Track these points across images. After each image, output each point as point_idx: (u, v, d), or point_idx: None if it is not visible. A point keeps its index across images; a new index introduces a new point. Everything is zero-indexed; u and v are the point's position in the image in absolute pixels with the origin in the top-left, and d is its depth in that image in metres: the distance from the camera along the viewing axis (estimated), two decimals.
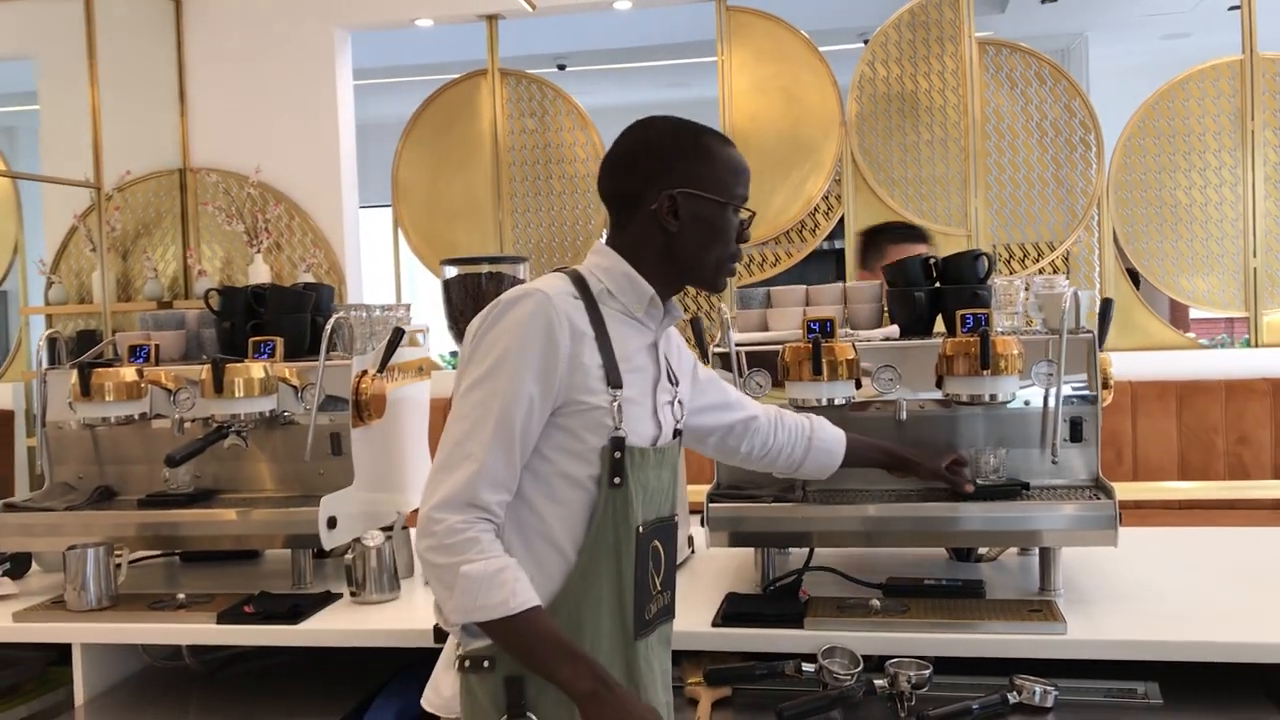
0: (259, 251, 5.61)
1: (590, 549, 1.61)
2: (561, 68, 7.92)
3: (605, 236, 1.76)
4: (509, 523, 1.60)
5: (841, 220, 5.43)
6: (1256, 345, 5.06)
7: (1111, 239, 5.17)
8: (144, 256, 5.76)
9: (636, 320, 1.71)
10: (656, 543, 1.69)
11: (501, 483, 1.57)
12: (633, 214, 1.70)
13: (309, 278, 5.59)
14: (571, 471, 1.62)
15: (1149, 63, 7.32)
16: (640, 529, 1.64)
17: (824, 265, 7.39)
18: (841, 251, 5.71)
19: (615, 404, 1.61)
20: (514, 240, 5.70)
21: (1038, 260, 5.23)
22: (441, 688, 1.72)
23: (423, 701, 1.78)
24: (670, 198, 1.67)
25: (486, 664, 1.60)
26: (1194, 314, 7.49)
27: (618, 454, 1.61)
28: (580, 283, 1.67)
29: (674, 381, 1.80)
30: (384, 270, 6.01)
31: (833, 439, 2.17)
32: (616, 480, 1.61)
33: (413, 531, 2.66)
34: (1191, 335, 5.87)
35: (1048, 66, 5.24)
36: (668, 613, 1.76)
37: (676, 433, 1.78)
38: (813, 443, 2.14)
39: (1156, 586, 2.28)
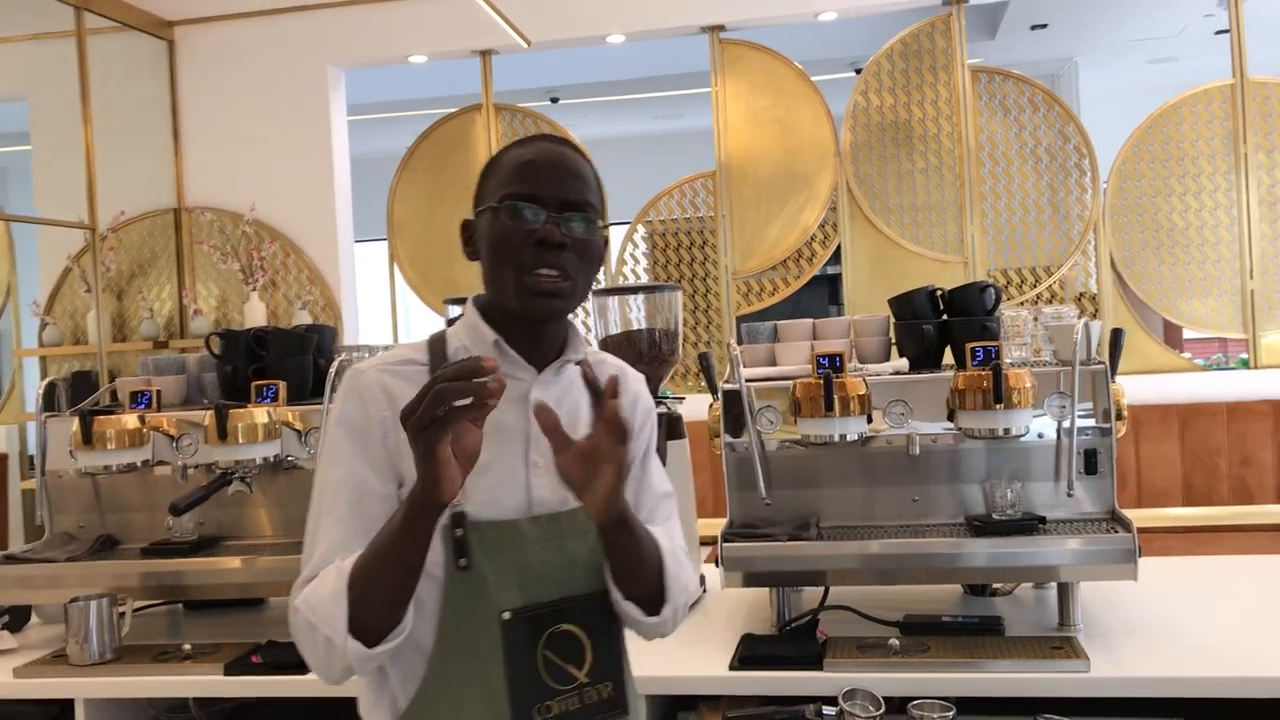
0: (254, 289, 5.59)
1: (441, 644, 1.41)
2: (555, 100, 7.94)
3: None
4: None
5: (839, 249, 5.43)
6: (1255, 367, 5.06)
7: (1109, 263, 5.17)
8: (139, 296, 5.73)
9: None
10: (568, 627, 1.44)
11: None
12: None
13: (305, 315, 5.57)
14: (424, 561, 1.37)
15: (1138, 87, 7.38)
16: (508, 616, 1.40)
17: (819, 292, 7.41)
18: (836, 278, 5.71)
19: None
20: None
21: (1035, 286, 5.24)
22: None
23: None
24: (463, 226, 1.51)
25: None
26: (1187, 334, 7.51)
27: (459, 531, 1.39)
28: (436, 346, 1.50)
29: (623, 439, 1.40)
30: (380, 306, 6.00)
31: None
32: (462, 562, 1.39)
33: None
34: (1188, 355, 5.87)
35: (1040, 93, 5.26)
36: (610, 708, 1.47)
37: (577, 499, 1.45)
38: None
39: (1175, 619, 2.26)
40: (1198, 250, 5.12)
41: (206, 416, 2.46)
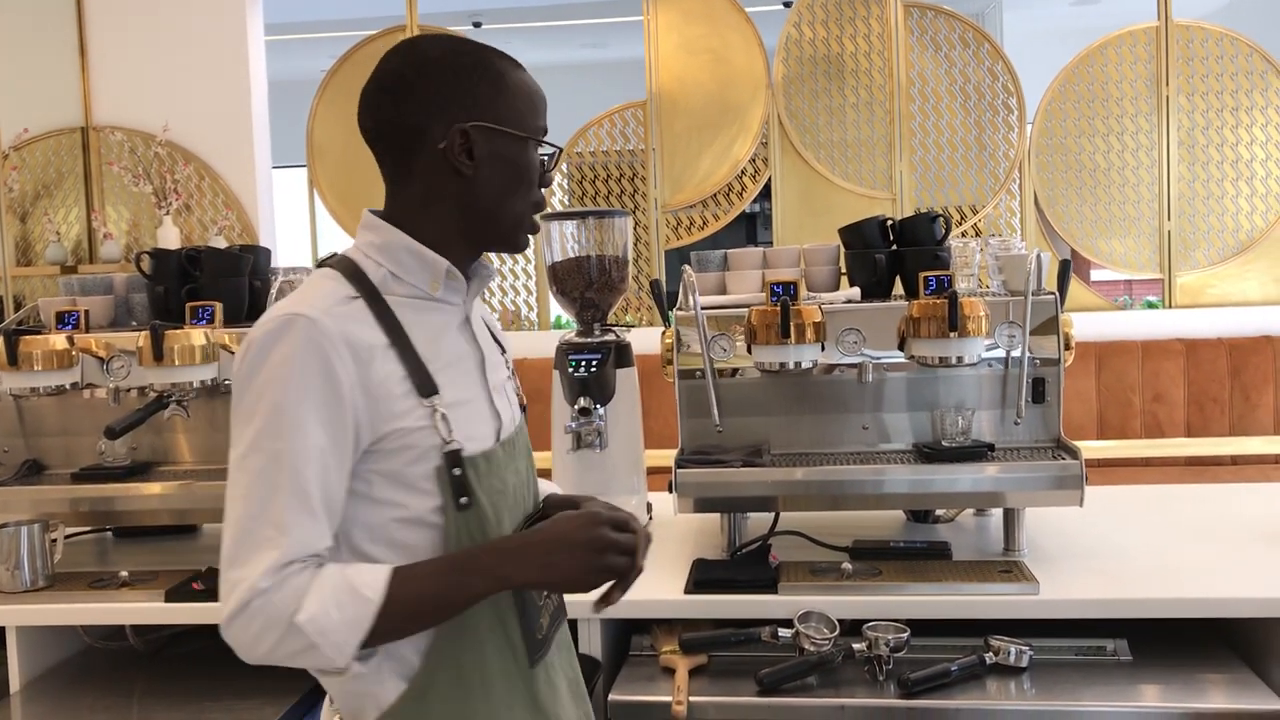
0: (168, 213, 5.40)
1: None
2: (477, 25, 7.75)
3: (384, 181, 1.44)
4: None
5: (766, 187, 5.42)
6: (1170, 306, 5.20)
7: (1033, 202, 5.25)
8: (45, 219, 5.50)
9: (436, 301, 1.40)
10: None
11: (314, 553, 1.27)
12: (413, 157, 1.37)
13: (221, 240, 5.41)
14: (409, 512, 1.34)
15: (1060, 27, 7.45)
16: None
17: (737, 230, 7.41)
18: (756, 216, 5.71)
19: (437, 415, 1.33)
20: None
21: (960, 223, 5.30)
22: None
23: None
24: (463, 132, 1.35)
25: None
26: (1095, 275, 7.70)
27: (456, 470, 1.34)
28: (355, 275, 1.36)
29: (502, 349, 1.55)
30: (299, 233, 5.84)
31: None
32: (464, 500, 1.34)
33: None
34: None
35: (970, 30, 5.28)
36: (560, 616, 1.52)
37: (523, 407, 1.53)
38: None
39: (1114, 544, 2.32)
40: (1118, 191, 5.23)
41: (140, 338, 2.37)
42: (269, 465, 1.25)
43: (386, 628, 1.26)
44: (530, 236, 1.46)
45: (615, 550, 1.31)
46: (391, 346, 1.32)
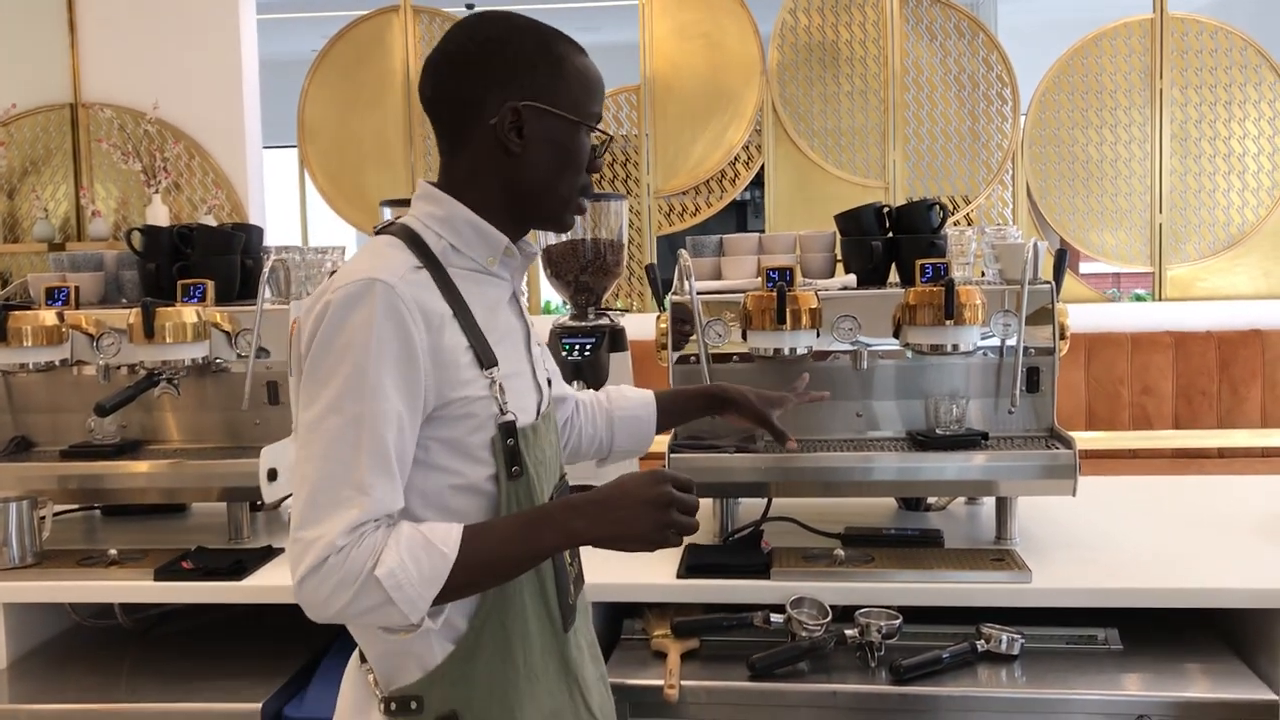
0: (157, 192, 5.36)
1: None
2: (470, 7, 7.71)
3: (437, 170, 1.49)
4: None
5: (758, 174, 5.41)
6: (1160, 299, 5.22)
7: (1025, 193, 5.26)
8: (32, 195, 5.46)
9: (491, 275, 1.45)
10: None
11: (392, 513, 1.32)
12: (468, 131, 1.40)
13: (210, 219, 5.37)
14: (465, 479, 1.38)
15: (1054, 19, 7.44)
16: None
17: (728, 218, 7.39)
18: (747, 204, 5.70)
19: (496, 386, 1.37)
20: None
21: (953, 214, 5.30)
22: None
23: None
24: (515, 110, 1.37)
25: (414, 705, 1.39)
26: (1084, 268, 7.72)
27: (511, 441, 1.39)
28: (418, 244, 1.39)
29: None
30: (289, 213, 5.81)
31: (636, 403, 1.87)
32: (515, 470, 1.39)
33: None
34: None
35: (966, 20, 5.28)
36: (580, 583, 1.58)
37: (549, 383, 1.59)
38: (614, 416, 1.85)
39: (1106, 533, 2.32)
40: (1110, 183, 5.23)
41: (131, 315, 2.35)
42: (349, 426, 1.28)
43: (459, 583, 1.31)
44: (576, 219, 1.51)
45: (680, 508, 1.36)
46: (455, 317, 1.36)
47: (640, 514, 1.35)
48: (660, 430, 1.89)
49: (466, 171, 1.42)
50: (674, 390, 1.95)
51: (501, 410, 1.38)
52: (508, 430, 1.38)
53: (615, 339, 2.53)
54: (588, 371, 2.45)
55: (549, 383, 1.58)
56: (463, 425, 1.37)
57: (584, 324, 2.53)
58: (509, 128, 1.38)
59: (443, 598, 1.31)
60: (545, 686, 1.45)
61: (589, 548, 1.44)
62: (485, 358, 1.37)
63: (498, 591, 1.39)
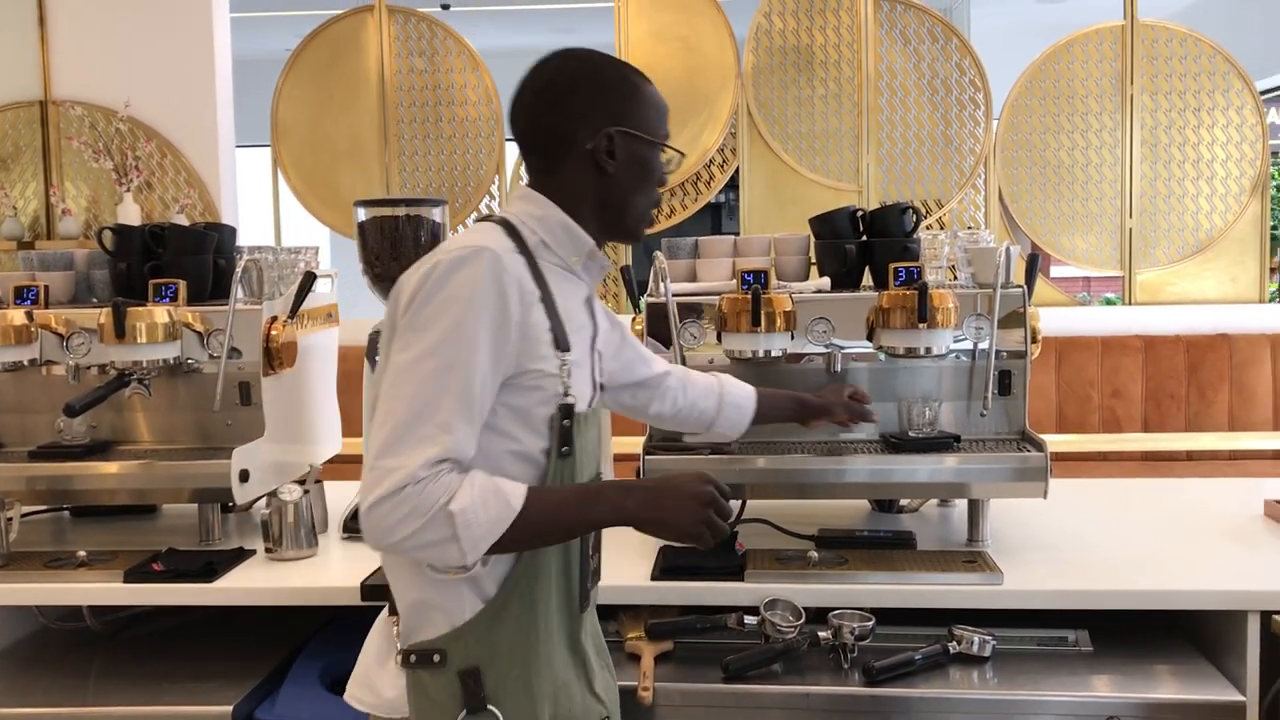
0: (128, 190, 5.31)
1: None
2: (445, 7, 7.69)
3: (527, 180, 1.63)
4: None
5: (736, 173, 5.42)
6: (1130, 303, 5.26)
7: (997, 197, 5.29)
8: (1, 193, 5.39)
9: (573, 274, 1.60)
10: None
11: (465, 459, 1.43)
12: (562, 155, 1.56)
13: (182, 219, 5.32)
14: (522, 446, 1.50)
15: (1027, 24, 7.51)
16: None
17: (702, 220, 7.41)
18: (721, 207, 5.71)
19: (565, 369, 1.51)
20: (401, 184, 5.54)
21: (925, 217, 5.32)
22: (381, 688, 1.60)
23: (351, 700, 1.65)
24: (609, 136, 1.55)
25: (437, 658, 1.50)
26: (1055, 272, 7.77)
27: (566, 422, 1.51)
28: (514, 234, 1.54)
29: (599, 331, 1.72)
30: (262, 213, 5.77)
31: (743, 395, 2.06)
32: (565, 450, 1.52)
33: (330, 485, 2.58)
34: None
35: (939, 24, 5.30)
36: (597, 579, 1.69)
37: (601, 387, 1.72)
38: (724, 399, 2.03)
39: (1076, 536, 2.34)
40: (1081, 188, 5.27)
41: (102, 314, 2.33)
42: (442, 371, 1.40)
43: (515, 537, 1.42)
44: (646, 231, 1.68)
45: (718, 510, 1.49)
46: (542, 300, 1.50)
47: (684, 506, 1.48)
48: (755, 423, 2.07)
49: (560, 188, 1.58)
50: (767, 392, 2.10)
51: (565, 392, 1.51)
52: (566, 411, 1.51)
53: None
54: None
55: (601, 387, 1.71)
56: (532, 396, 1.49)
57: None
58: (604, 151, 1.55)
59: (496, 548, 1.42)
60: (559, 658, 1.57)
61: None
62: (562, 341, 1.51)
63: (529, 563, 1.51)
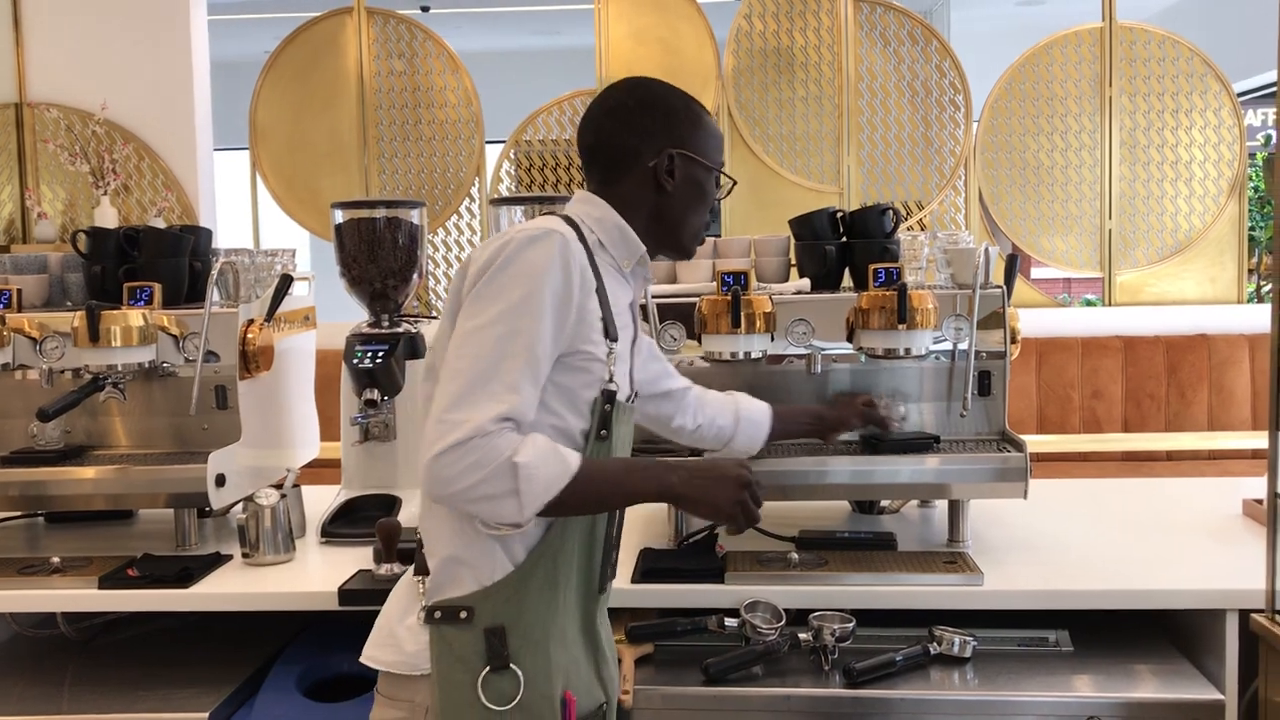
0: (105, 194, 5.27)
1: None
2: (425, 9, 7.66)
3: (587, 186, 1.75)
4: None
5: None
6: (1110, 304, 5.28)
7: (978, 199, 5.30)
8: None
9: (622, 276, 1.70)
10: None
11: (526, 421, 1.51)
12: (624, 171, 1.69)
13: (160, 222, 5.29)
14: (565, 425, 1.58)
15: (1007, 26, 7.53)
16: None
17: None
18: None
19: (611, 357, 1.60)
20: (381, 186, 5.52)
21: (905, 219, 5.33)
22: (403, 643, 1.61)
23: (369, 662, 1.65)
24: (670, 157, 1.67)
25: (464, 614, 1.56)
26: (1035, 274, 7.80)
27: (608, 407, 1.60)
28: (576, 230, 1.63)
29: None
30: (240, 217, 5.74)
31: (758, 411, 2.12)
32: (604, 433, 1.60)
33: (308, 490, 2.56)
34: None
35: (919, 26, 5.31)
36: (614, 570, 1.77)
37: (635, 392, 1.80)
38: (740, 416, 2.09)
39: (1056, 536, 2.34)
40: (1061, 189, 5.29)
41: (76, 317, 2.31)
42: (511, 337, 1.49)
43: (569, 497, 1.50)
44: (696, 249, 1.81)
45: (752, 493, 1.60)
46: (597, 292, 1.59)
47: (724, 487, 1.59)
48: (771, 439, 2.14)
49: (619, 199, 1.69)
50: (782, 408, 2.16)
51: (609, 378, 1.60)
52: (609, 396, 1.60)
53: (412, 346, 2.51)
54: (381, 378, 2.42)
55: (635, 395, 1.79)
56: (579, 377, 1.58)
57: (379, 331, 2.52)
58: (665, 170, 1.67)
59: (549, 508, 1.49)
60: (572, 634, 1.64)
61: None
62: (611, 331, 1.60)
63: (557, 536, 1.58)
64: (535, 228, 1.56)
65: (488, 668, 1.55)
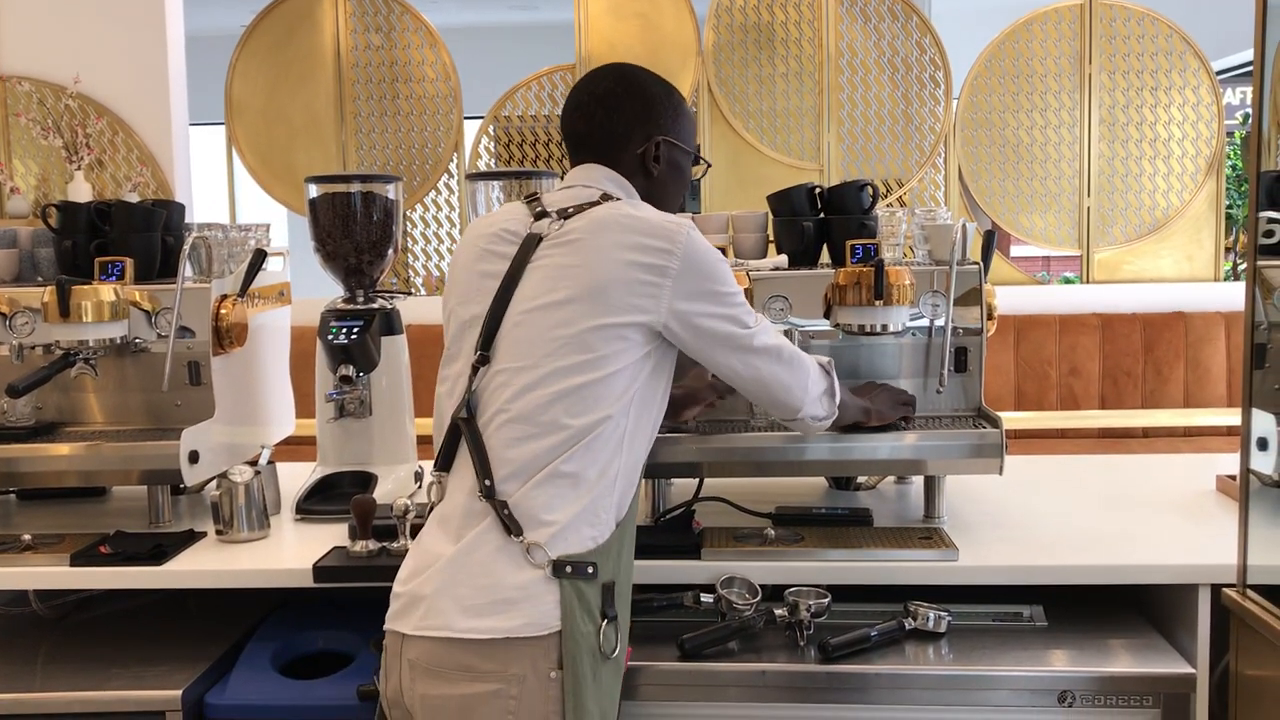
0: (79, 169, 5.22)
1: (640, 472, 1.79)
2: None
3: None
4: (621, 441, 1.71)
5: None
6: (1088, 282, 5.30)
7: (957, 176, 5.30)
8: None
9: None
10: None
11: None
12: (614, 155, 1.82)
13: (134, 197, 5.23)
14: (665, 392, 1.82)
15: (987, 4, 7.51)
16: None
17: None
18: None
19: None
20: (358, 161, 5.48)
21: (885, 196, 5.33)
22: (521, 604, 1.62)
23: (489, 633, 1.62)
24: (658, 143, 1.82)
25: (591, 569, 1.65)
26: (1014, 252, 7.81)
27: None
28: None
29: None
30: (216, 191, 5.69)
31: None
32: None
33: (283, 466, 2.55)
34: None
35: (900, 2, 5.30)
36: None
37: None
38: None
39: (1031, 512, 2.35)
40: (1040, 167, 5.29)
41: (46, 292, 2.28)
42: (752, 312, 1.82)
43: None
44: None
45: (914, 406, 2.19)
46: None
47: (893, 408, 2.15)
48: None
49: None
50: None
51: None
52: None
53: (388, 322, 2.51)
54: (356, 353, 2.42)
55: None
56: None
57: (354, 307, 2.52)
58: (652, 156, 1.82)
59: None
60: (630, 592, 1.80)
61: None
62: None
63: (634, 499, 1.75)
64: (677, 220, 1.72)
65: (604, 619, 1.66)
